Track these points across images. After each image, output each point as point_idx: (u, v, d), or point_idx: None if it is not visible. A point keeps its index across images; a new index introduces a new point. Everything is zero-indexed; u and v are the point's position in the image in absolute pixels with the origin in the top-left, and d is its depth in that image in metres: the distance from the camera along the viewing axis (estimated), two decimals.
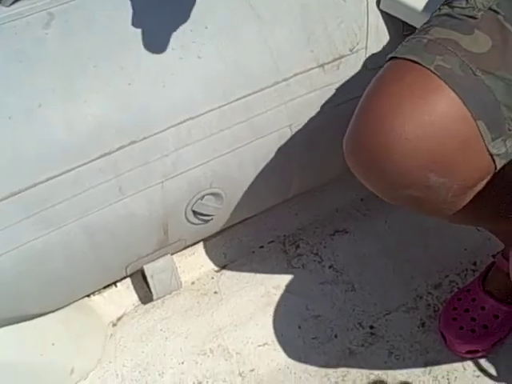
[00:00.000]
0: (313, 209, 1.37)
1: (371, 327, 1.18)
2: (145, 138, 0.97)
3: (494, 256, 1.13)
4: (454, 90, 0.71)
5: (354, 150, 0.76)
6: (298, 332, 1.19)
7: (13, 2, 0.99)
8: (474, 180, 0.77)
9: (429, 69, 0.72)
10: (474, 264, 1.26)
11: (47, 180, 0.93)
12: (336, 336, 1.18)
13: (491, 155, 0.73)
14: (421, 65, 0.72)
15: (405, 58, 0.74)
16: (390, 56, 0.78)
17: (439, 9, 0.80)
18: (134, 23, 0.98)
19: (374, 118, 0.73)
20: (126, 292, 1.27)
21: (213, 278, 1.30)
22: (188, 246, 1.28)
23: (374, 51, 1.08)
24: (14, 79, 0.93)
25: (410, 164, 0.71)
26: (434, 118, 0.71)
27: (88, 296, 1.23)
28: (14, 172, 0.91)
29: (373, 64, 1.08)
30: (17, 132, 0.91)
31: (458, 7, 0.77)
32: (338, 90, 1.08)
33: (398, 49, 0.77)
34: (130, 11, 0.99)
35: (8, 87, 0.92)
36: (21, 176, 0.92)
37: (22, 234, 0.95)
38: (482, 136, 0.72)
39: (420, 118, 0.71)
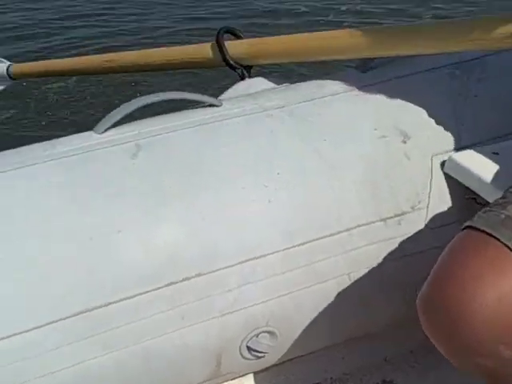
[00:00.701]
0: (361, 355, 1.37)
1: None
2: (210, 272, 1.02)
3: None
4: None
5: (430, 312, 0.80)
6: None
7: (106, 130, 1.09)
8: None
9: (507, 246, 0.77)
10: None
11: (114, 302, 0.98)
12: None
13: None
14: (499, 240, 0.77)
15: (483, 231, 0.79)
16: (466, 225, 0.83)
17: None
18: (213, 164, 1.06)
19: (455, 286, 0.77)
20: None
21: None
22: (235, 378, 1.29)
23: (435, 211, 1.13)
24: (99, 204, 1.01)
25: (487, 334, 0.75)
26: None
27: None
28: (85, 292, 0.97)
29: (433, 223, 1.12)
30: (94, 253, 0.98)
31: None
32: (397, 244, 1.12)
33: (474, 219, 0.82)
34: (211, 152, 1.07)
35: (93, 210, 1.00)
36: (91, 296, 0.97)
37: (82, 353, 0.98)
38: None
39: (500, 290, 0.75)
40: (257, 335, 1.11)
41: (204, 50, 1.41)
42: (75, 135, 1.09)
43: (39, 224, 0.97)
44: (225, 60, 1.35)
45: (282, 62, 1.37)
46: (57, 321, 0.96)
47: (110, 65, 1.61)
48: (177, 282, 1.01)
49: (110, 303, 0.98)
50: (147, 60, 1.58)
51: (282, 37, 1.34)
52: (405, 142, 1.12)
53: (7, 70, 2.07)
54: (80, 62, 1.82)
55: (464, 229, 0.84)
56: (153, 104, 1.12)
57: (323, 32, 1.29)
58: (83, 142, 1.07)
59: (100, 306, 0.97)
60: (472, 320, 0.75)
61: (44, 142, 1.08)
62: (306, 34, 1.30)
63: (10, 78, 2.08)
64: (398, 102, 1.16)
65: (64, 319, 0.96)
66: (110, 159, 1.05)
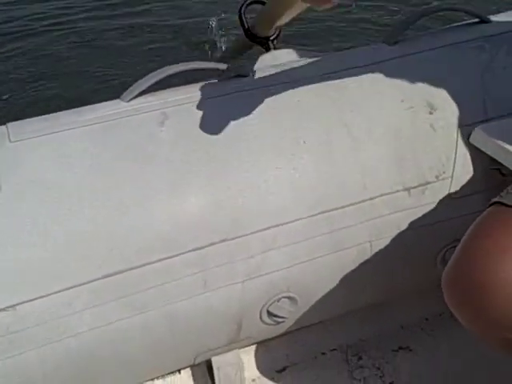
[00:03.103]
0: (378, 322, 1.39)
1: None
2: (234, 238, 1.03)
3: None
4: None
5: (455, 286, 0.80)
6: None
7: (132, 98, 1.09)
8: None
9: None
10: None
11: (141, 266, 0.99)
12: None
13: None
14: None
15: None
16: (494, 200, 0.83)
17: None
18: (239, 132, 1.06)
19: (482, 259, 0.78)
20: (188, 381, 1.30)
21: (273, 378, 1.32)
22: (253, 343, 1.32)
23: (459, 181, 1.13)
24: (126, 170, 1.01)
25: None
26: None
27: (152, 380, 1.26)
28: (114, 255, 0.98)
29: (457, 193, 1.13)
30: (121, 218, 0.99)
31: None
32: (420, 213, 1.13)
33: (502, 194, 0.83)
34: (237, 121, 1.07)
35: (119, 177, 1.01)
36: (119, 259, 0.99)
37: (110, 314, 1.01)
38: None
39: None
40: (277, 300, 1.12)
41: (239, 36, 1.41)
42: (102, 103, 1.10)
43: (67, 189, 0.99)
44: (246, 34, 1.34)
45: (297, 13, 1.33)
46: (84, 283, 0.98)
47: None
48: (202, 248, 1.02)
49: (136, 267, 0.99)
50: None
51: None
52: (431, 114, 1.12)
53: None
54: None
55: (492, 205, 0.84)
56: (180, 74, 1.12)
57: None
58: (110, 110, 1.07)
59: (126, 270, 0.99)
60: (498, 293, 0.76)
61: (72, 110, 1.09)
62: None
63: None
64: (426, 74, 1.15)
65: (91, 282, 0.98)
66: (137, 127, 1.05)
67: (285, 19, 1.30)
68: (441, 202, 1.13)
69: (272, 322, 1.16)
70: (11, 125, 1.07)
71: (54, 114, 1.11)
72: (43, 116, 1.10)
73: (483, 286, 0.76)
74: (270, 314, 1.14)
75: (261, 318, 1.14)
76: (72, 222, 0.98)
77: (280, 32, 1.41)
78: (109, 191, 1.00)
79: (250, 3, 1.39)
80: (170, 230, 1.00)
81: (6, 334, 0.96)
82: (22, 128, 1.05)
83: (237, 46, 1.57)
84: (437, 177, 1.12)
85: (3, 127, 1.06)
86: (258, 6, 1.46)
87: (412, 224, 1.13)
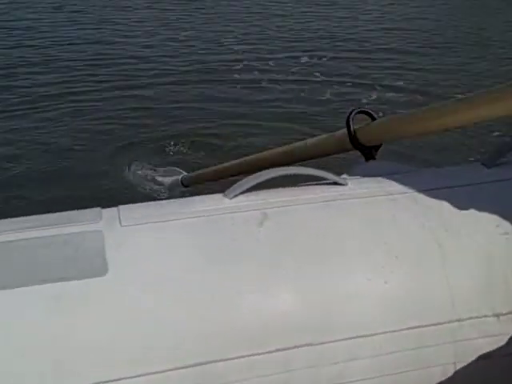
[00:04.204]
0: None
1: None
2: (320, 344, 1.05)
3: None
4: None
5: None
6: None
7: (235, 196, 1.16)
8: None
9: None
10: None
11: (225, 360, 1.02)
12: None
13: None
14: None
15: None
16: None
17: None
18: (334, 240, 1.10)
19: None
20: None
21: None
22: None
23: None
24: (222, 265, 1.07)
25: None
26: None
27: None
28: (201, 345, 1.02)
29: None
30: (213, 311, 1.03)
31: None
32: (508, 341, 1.11)
33: None
34: (333, 229, 1.11)
35: (215, 271, 1.06)
36: (205, 350, 1.02)
37: None
38: None
39: None
40: None
41: (334, 136, 1.47)
42: (206, 196, 1.17)
43: (166, 280, 1.05)
44: (351, 140, 1.39)
45: (409, 136, 1.37)
46: (170, 370, 1.01)
47: (263, 163, 1.74)
48: (286, 349, 1.04)
49: (220, 360, 1.03)
50: (291, 155, 1.73)
51: (412, 114, 1.34)
52: None
53: (181, 179, 2.61)
54: (240, 163, 1.99)
55: None
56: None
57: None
58: (213, 205, 1.14)
59: (211, 362, 1.02)
60: None
61: (178, 199, 1.17)
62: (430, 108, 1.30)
63: (184, 185, 2.59)
64: None
65: (176, 369, 1.02)
66: (238, 224, 1.11)
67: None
68: None
69: None
70: (122, 208, 1.15)
71: (161, 201, 1.19)
72: (150, 202, 1.19)
73: None
74: None
75: None
76: (165, 311, 1.03)
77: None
78: (203, 285, 1.05)
79: (359, 112, 1.44)
80: (257, 328, 1.04)
81: None
82: (132, 213, 1.13)
83: (331, 147, 1.60)
84: None
85: (114, 209, 1.15)
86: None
87: (499, 351, 1.11)
